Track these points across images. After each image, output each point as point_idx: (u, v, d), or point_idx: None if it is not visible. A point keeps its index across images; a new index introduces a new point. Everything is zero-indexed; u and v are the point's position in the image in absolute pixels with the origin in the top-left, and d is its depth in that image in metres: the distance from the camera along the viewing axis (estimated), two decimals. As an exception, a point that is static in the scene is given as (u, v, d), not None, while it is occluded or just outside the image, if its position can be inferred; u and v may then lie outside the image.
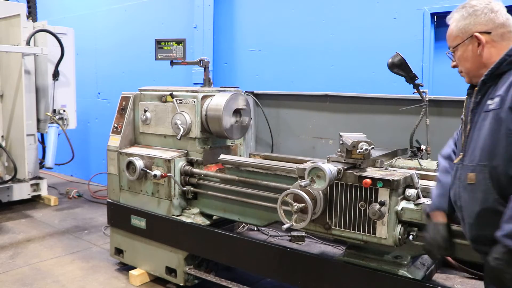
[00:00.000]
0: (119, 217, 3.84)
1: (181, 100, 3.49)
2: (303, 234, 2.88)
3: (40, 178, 6.16)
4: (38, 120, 5.98)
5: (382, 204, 2.28)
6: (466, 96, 1.86)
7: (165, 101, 3.58)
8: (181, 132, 3.38)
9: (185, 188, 3.45)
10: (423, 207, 2.25)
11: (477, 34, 1.74)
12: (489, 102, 1.68)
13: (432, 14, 4.09)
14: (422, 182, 2.45)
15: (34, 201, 6.09)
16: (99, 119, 7.24)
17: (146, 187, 3.62)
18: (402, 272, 2.49)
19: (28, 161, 5.68)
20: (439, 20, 4.13)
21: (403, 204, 2.34)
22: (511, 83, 1.62)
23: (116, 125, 3.84)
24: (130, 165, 3.61)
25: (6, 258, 4.20)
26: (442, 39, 4.20)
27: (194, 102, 3.42)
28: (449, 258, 3.17)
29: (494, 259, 1.56)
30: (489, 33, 1.74)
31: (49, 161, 5.80)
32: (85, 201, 6.22)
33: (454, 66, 1.87)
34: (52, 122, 5.82)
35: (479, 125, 1.72)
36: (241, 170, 3.25)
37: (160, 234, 3.53)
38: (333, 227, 2.49)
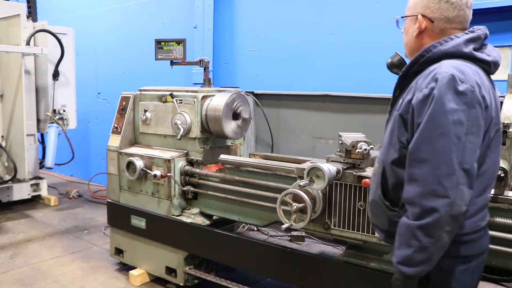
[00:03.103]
0: (119, 217, 3.84)
1: (181, 100, 3.49)
2: (303, 234, 2.88)
3: (40, 178, 6.16)
4: (38, 120, 5.99)
5: (381, 204, 2.28)
6: None
7: (165, 101, 3.59)
8: (181, 132, 3.38)
9: (185, 188, 3.45)
10: None
11: (420, 16, 1.68)
12: (399, 101, 1.67)
13: (432, 14, 4.09)
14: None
15: (34, 201, 6.09)
16: (99, 119, 7.24)
17: (146, 187, 3.62)
18: (402, 272, 2.49)
19: (28, 161, 5.68)
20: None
21: (403, 204, 2.34)
22: (410, 89, 1.62)
23: (116, 125, 3.85)
24: (130, 165, 3.61)
25: (6, 258, 4.20)
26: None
27: (194, 102, 3.42)
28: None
29: (394, 279, 1.61)
30: (432, 21, 1.67)
31: (49, 161, 5.80)
32: (85, 201, 6.23)
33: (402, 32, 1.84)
34: (52, 122, 5.82)
35: (390, 121, 1.73)
36: (241, 170, 3.25)
37: (160, 234, 3.53)
38: (332, 227, 2.49)
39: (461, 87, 1.46)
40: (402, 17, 1.79)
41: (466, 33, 1.62)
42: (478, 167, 1.54)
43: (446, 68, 1.51)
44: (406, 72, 1.69)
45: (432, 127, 1.48)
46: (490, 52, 1.64)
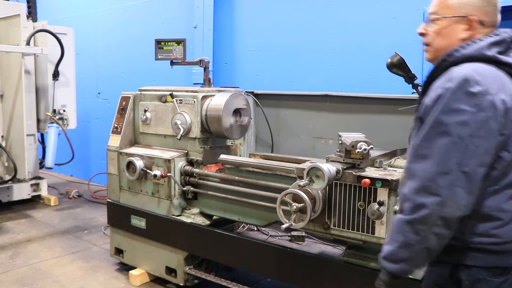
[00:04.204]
0: (119, 217, 3.85)
1: (181, 100, 3.49)
2: (303, 234, 2.89)
3: (40, 178, 6.16)
4: (38, 120, 5.98)
5: (380, 204, 2.28)
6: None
7: (165, 101, 3.59)
8: (181, 132, 3.38)
9: (185, 188, 3.45)
10: None
11: (473, 17, 1.58)
12: (421, 105, 1.62)
13: (432, 14, 4.09)
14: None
15: (34, 201, 6.09)
16: (99, 119, 7.24)
17: (146, 187, 3.62)
18: (402, 272, 2.49)
19: (28, 161, 5.69)
20: (439, 20, 4.12)
21: (403, 204, 2.34)
22: (428, 91, 1.58)
23: (116, 125, 3.85)
24: (130, 165, 3.61)
25: (6, 258, 4.20)
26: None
27: (194, 102, 3.42)
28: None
29: (377, 279, 1.60)
30: (483, 25, 1.60)
31: (49, 161, 5.80)
32: (85, 201, 6.23)
33: (422, 34, 1.73)
34: (52, 122, 5.82)
35: (415, 127, 1.68)
36: (241, 170, 3.26)
37: (160, 234, 3.53)
38: (332, 227, 2.49)
39: (474, 89, 1.43)
40: (444, 16, 1.63)
41: (490, 36, 1.57)
42: (506, 174, 1.50)
43: (463, 69, 1.49)
44: (430, 77, 1.64)
45: (436, 125, 1.47)
46: None
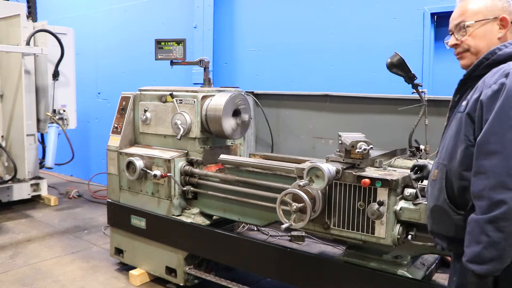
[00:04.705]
0: (119, 217, 3.85)
1: (181, 100, 3.50)
2: (303, 234, 2.88)
3: (40, 178, 6.16)
4: (38, 120, 5.99)
5: (380, 204, 2.28)
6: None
7: (165, 101, 3.59)
8: (181, 132, 3.38)
9: (185, 188, 3.45)
10: None
11: (503, 17, 1.70)
12: (463, 103, 1.68)
13: (432, 14, 4.09)
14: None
15: (34, 201, 6.09)
16: (99, 119, 7.24)
17: (146, 187, 3.62)
18: (402, 272, 2.50)
19: (28, 161, 5.69)
20: (439, 20, 4.13)
21: (402, 203, 2.34)
22: (476, 88, 1.62)
23: (116, 125, 3.85)
24: (130, 165, 3.61)
25: (6, 258, 4.20)
26: (442, 39, 4.20)
27: (194, 102, 3.42)
28: (449, 258, 3.16)
29: (466, 283, 1.58)
30: (510, 23, 1.72)
31: (49, 161, 5.81)
32: (85, 201, 6.23)
33: (453, 45, 1.80)
34: (52, 122, 5.82)
35: (451, 125, 1.74)
36: (241, 170, 3.26)
37: (160, 234, 3.53)
38: (332, 226, 2.49)
39: None
40: (476, 21, 1.73)
41: None
42: None
43: None
44: (468, 75, 1.69)
45: (502, 120, 1.47)
46: None
